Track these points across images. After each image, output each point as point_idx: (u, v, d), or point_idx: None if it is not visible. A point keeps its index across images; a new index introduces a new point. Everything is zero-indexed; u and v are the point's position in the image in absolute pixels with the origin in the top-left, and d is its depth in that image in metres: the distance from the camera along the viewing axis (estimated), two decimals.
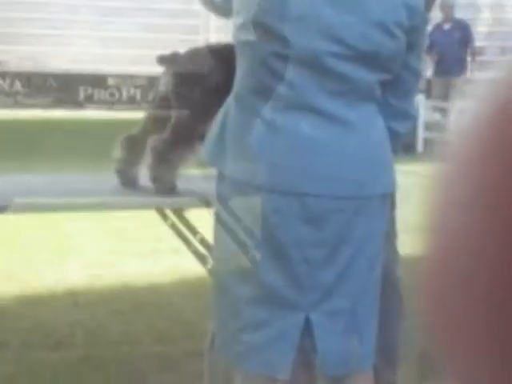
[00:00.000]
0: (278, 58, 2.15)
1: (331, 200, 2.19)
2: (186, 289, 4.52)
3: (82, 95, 18.35)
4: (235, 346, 2.29)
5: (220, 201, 2.30)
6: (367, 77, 2.18)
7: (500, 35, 21.03)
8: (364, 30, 2.14)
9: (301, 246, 2.19)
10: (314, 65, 2.15)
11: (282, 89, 2.16)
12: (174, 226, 2.80)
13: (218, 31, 18.85)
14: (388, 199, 2.34)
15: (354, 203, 2.22)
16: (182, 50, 2.76)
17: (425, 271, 0.43)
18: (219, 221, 2.32)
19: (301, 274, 2.21)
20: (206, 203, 2.70)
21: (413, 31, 2.23)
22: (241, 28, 2.20)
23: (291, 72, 2.15)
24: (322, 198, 2.18)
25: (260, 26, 2.14)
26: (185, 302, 4.31)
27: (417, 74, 2.34)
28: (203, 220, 2.96)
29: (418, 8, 2.22)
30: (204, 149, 2.34)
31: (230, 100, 2.27)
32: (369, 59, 2.17)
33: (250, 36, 2.17)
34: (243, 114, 2.21)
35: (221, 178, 2.29)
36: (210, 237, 2.84)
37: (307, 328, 2.25)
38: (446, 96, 12.18)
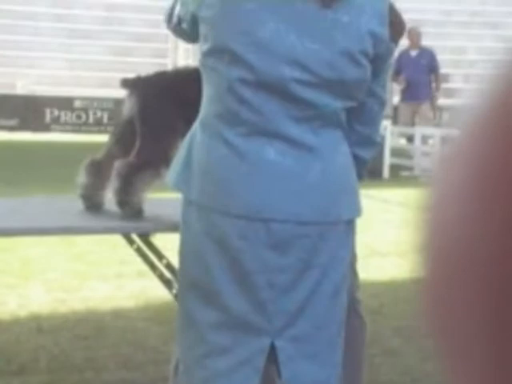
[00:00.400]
0: (243, 83, 2.16)
1: (296, 225, 2.20)
2: (150, 313, 4.49)
3: (48, 117, 18.25)
4: (199, 371, 2.28)
5: (185, 225, 2.30)
6: (332, 103, 2.20)
7: (464, 64, 21.33)
8: (329, 58, 2.17)
9: (266, 271, 2.20)
10: (279, 91, 2.17)
11: (247, 114, 2.18)
12: (139, 251, 2.79)
13: (186, 55, 18.89)
14: (353, 225, 2.35)
15: (319, 229, 2.23)
16: (150, 72, 2.76)
17: (419, 265, 0.43)
18: (184, 245, 2.32)
19: (266, 299, 2.21)
20: (172, 228, 2.69)
21: (378, 59, 2.26)
22: (207, 54, 2.21)
23: (257, 98, 2.17)
24: (286, 223, 2.19)
25: (227, 52, 2.16)
26: (149, 326, 4.28)
27: (382, 101, 2.37)
28: (169, 244, 2.95)
29: (382, 37, 2.25)
30: (170, 173, 2.34)
31: (197, 125, 2.27)
32: (334, 86, 2.19)
33: (217, 62, 2.18)
34: (209, 138, 2.22)
35: (186, 203, 2.29)
36: (175, 261, 2.83)
37: (272, 354, 2.25)
38: (412, 122, 12.31)
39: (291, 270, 2.21)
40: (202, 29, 2.22)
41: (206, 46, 2.21)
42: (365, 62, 2.22)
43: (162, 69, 3.18)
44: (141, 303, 4.69)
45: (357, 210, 2.33)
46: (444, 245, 0.40)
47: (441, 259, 0.41)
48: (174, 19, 2.35)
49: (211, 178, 2.21)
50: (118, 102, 18.05)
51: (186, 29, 2.33)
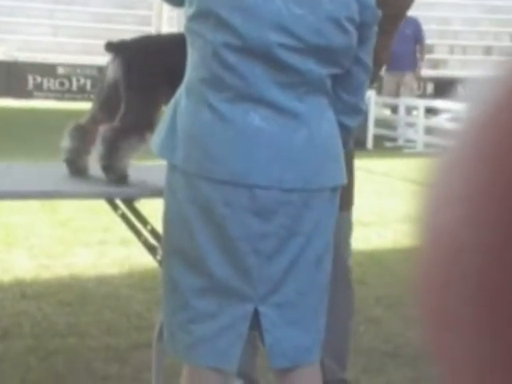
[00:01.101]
0: (228, 48, 2.15)
1: (280, 192, 2.20)
2: (134, 280, 4.50)
3: (31, 84, 18.10)
4: (183, 337, 2.29)
5: (169, 192, 2.29)
6: (318, 70, 2.19)
7: (449, 34, 21.29)
8: (316, 24, 2.16)
9: (250, 238, 2.20)
10: (265, 56, 2.15)
11: (232, 80, 2.16)
12: (123, 217, 2.78)
13: (171, 23, 18.74)
14: (338, 192, 2.35)
15: (303, 196, 2.23)
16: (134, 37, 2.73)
17: (415, 264, 0.43)
18: (168, 211, 2.31)
19: (250, 266, 2.22)
20: (157, 194, 2.68)
21: (364, 27, 2.25)
22: (193, 18, 2.19)
23: (241, 63, 2.15)
24: (271, 190, 2.19)
25: (212, 16, 2.14)
26: (133, 293, 4.29)
27: (367, 70, 2.35)
28: (154, 211, 2.95)
29: (369, 4, 2.24)
30: (154, 139, 2.33)
31: (181, 90, 2.26)
32: (320, 52, 2.18)
33: (202, 26, 2.17)
34: (193, 104, 2.21)
35: (171, 169, 2.28)
36: (160, 228, 2.83)
37: (254, 320, 2.26)
38: (396, 93, 12.29)
39: (275, 237, 2.22)
40: None
41: (191, 10, 2.19)
42: (351, 28, 2.21)
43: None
44: (124, 270, 4.69)
45: (342, 178, 2.33)
46: (440, 248, 0.40)
47: (437, 262, 0.41)
48: None
49: (196, 143, 2.20)
50: (101, 70, 17.91)
51: None
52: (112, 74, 2.55)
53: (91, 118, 2.67)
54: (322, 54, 2.19)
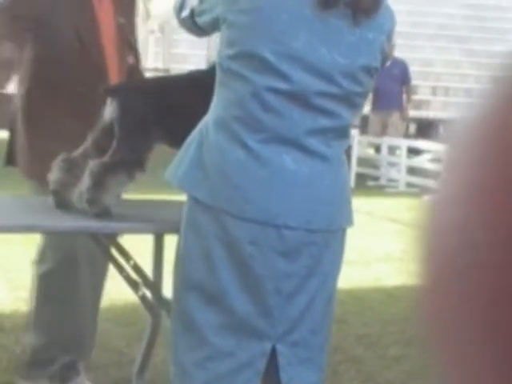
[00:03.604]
0: (271, 91, 2.20)
1: (306, 233, 2.25)
2: (114, 315, 4.46)
3: None
4: (200, 374, 2.29)
5: (190, 226, 2.29)
6: (348, 116, 2.28)
7: (432, 76, 21.52)
8: (354, 72, 2.24)
9: (274, 277, 2.24)
10: (304, 101, 2.21)
11: (270, 121, 2.21)
12: (106, 251, 2.77)
13: (156, 58, 18.83)
14: (346, 233, 2.41)
15: (325, 236, 2.29)
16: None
17: (418, 272, 0.43)
18: (188, 246, 2.30)
19: (273, 305, 2.26)
20: (140, 229, 2.68)
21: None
22: (233, 58, 2.22)
23: (281, 106, 2.21)
24: (298, 230, 2.23)
25: (257, 59, 2.19)
26: (113, 328, 4.26)
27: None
28: (137, 246, 2.94)
29: (386, 53, 2.35)
30: (172, 172, 2.33)
31: (208, 125, 2.27)
32: (353, 99, 2.27)
33: (243, 67, 2.20)
34: (225, 141, 2.23)
35: (194, 203, 2.29)
36: (142, 263, 2.82)
37: (272, 358, 2.29)
38: (382, 132, 12.36)
39: (297, 277, 2.27)
40: (229, 32, 2.23)
41: (232, 51, 2.23)
42: (374, 76, 2.33)
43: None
44: (105, 304, 4.65)
45: (352, 219, 2.40)
46: (443, 251, 0.40)
47: (439, 265, 0.41)
48: (186, 11, 2.37)
49: (226, 180, 2.22)
50: None
51: (199, 23, 2.34)
52: (108, 115, 2.57)
53: (82, 152, 2.67)
54: (354, 100, 2.28)
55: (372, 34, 2.25)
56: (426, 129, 18.98)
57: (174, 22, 2.64)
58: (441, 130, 19.85)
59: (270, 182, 2.21)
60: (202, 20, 2.33)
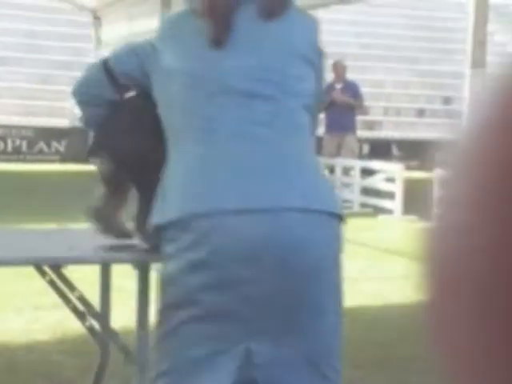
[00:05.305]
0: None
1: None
2: (66, 346, 4.40)
3: None
4: None
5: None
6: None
7: (383, 96, 21.77)
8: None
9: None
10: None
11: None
12: (51, 283, 2.74)
13: None
14: None
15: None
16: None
17: (423, 280, 0.42)
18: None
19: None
20: (84, 260, 2.66)
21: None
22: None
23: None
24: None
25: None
26: (65, 359, 4.20)
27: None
28: (82, 276, 2.91)
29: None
30: (172, 205, 2.18)
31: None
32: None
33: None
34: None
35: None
36: (88, 293, 2.79)
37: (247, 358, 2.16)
38: (337, 153, 12.42)
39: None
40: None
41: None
42: None
43: None
44: (57, 336, 4.60)
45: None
46: (448, 256, 0.40)
47: (444, 272, 0.40)
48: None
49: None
50: (37, 131, 17.79)
51: None
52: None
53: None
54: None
55: None
56: (378, 149, 19.17)
57: None
58: (393, 149, 20.06)
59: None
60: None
